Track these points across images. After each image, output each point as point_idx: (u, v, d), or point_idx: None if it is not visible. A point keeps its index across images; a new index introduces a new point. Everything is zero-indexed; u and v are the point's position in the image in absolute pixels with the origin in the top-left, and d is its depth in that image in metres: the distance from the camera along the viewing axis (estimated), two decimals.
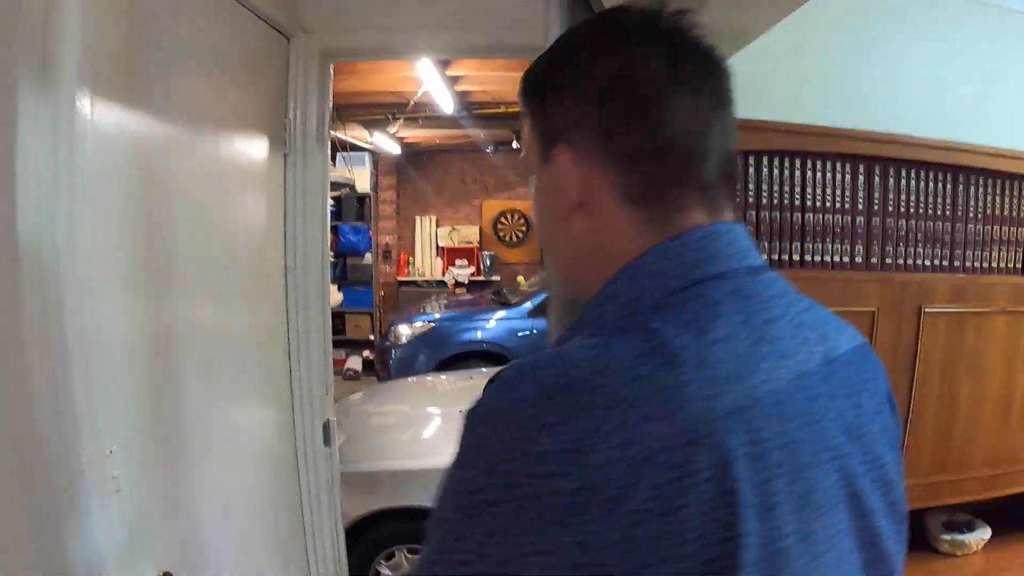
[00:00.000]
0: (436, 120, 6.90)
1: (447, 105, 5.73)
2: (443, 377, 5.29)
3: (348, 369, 9.14)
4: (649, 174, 0.64)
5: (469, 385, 4.52)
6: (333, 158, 7.05)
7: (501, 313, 6.87)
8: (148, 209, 1.38)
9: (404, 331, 6.91)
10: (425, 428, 3.86)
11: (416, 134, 8.19)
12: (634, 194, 0.64)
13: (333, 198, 9.50)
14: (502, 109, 6.33)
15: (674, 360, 0.54)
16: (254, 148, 1.94)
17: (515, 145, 7.75)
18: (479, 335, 6.78)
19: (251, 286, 1.96)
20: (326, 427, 2.24)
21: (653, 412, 0.51)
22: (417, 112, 6.16)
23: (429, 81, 4.86)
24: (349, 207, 9.32)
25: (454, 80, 5.33)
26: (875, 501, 0.63)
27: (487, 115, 6.55)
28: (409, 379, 5.51)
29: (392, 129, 7.20)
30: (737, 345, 0.57)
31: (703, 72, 0.66)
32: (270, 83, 2.05)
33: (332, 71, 2.24)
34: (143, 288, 1.36)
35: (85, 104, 1.10)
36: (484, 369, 6.37)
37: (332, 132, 6.31)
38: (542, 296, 6.80)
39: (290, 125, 2.12)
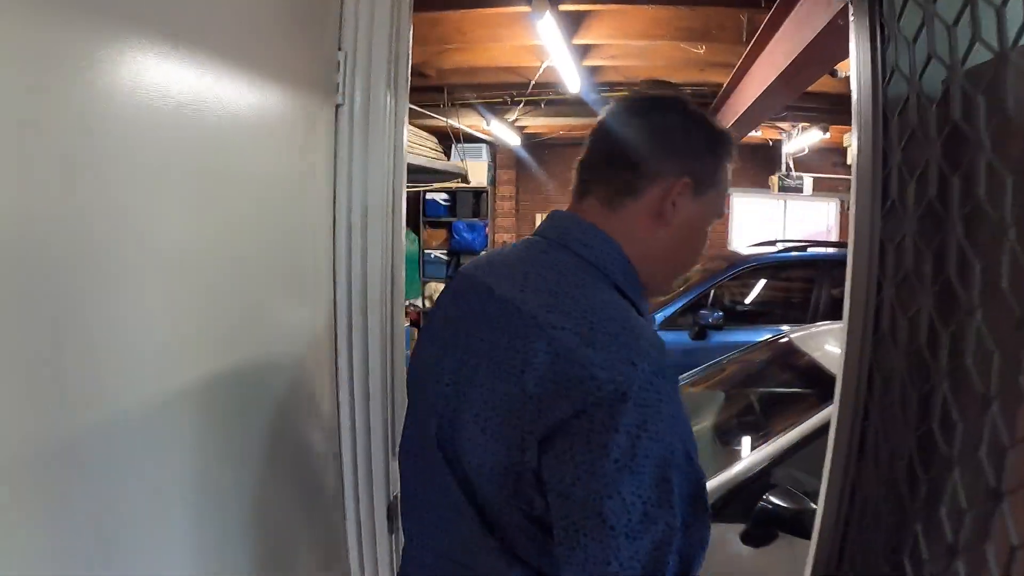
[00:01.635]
0: (560, 106, 6.15)
1: (573, 83, 4.95)
2: None
3: None
4: None
5: None
6: (448, 152, 6.41)
7: None
8: None
9: None
10: None
11: (538, 123, 7.44)
12: None
13: (447, 192, 9.02)
14: None
15: None
16: (284, 96, 1.25)
17: None
18: None
19: (278, 300, 1.28)
20: (392, 508, 1.53)
21: None
22: (539, 93, 5.41)
23: (553, 50, 4.11)
24: (464, 202, 8.70)
25: (582, 52, 4.57)
26: None
27: (616, 96, 5.73)
28: None
29: (511, 117, 6.49)
30: None
31: None
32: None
33: None
34: None
35: None
36: None
37: (444, 120, 5.74)
38: (676, 305, 5.96)
39: (345, 62, 1.41)
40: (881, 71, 1.21)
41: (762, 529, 2.20)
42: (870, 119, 1.22)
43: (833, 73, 3.79)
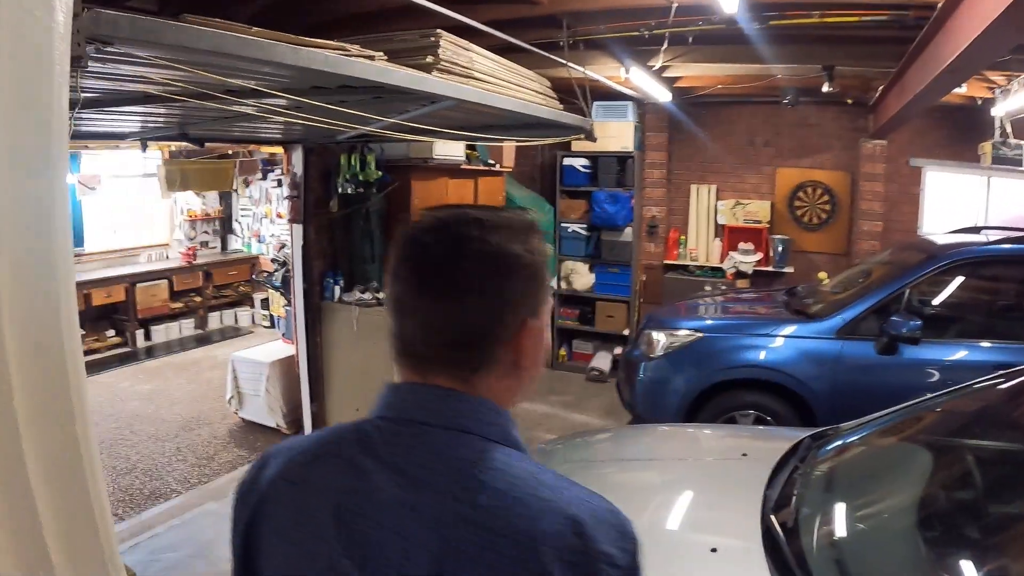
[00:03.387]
0: (715, 46, 4.94)
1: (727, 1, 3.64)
2: (707, 432, 3.67)
3: (593, 368, 7.61)
4: None
5: (735, 450, 2.84)
6: (586, 111, 5.34)
7: (793, 328, 4.91)
8: None
9: (659, 339, 5.19)
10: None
11: (690, 72, 6.23)
12: None
13: (588, 157, 7.99)
14: (816, 17, 4.17)
15: None
16: None
17: (826, 88, 5.57)
18: (761, 356, 4.88)
19: None
20: None
21: None
22: (685, 23, 4.18)
23: None
24: (607, 169, 7.68)
25: None
26: None
27: (790, 28, 4.39)
28: (662, 427, 3.88)
29: (656, 63, 5.34)
30: None
31: None
32: None
33: None
34: None
35: None
36: (761, 427, 4.51)
37: (565, 63, 4.47)
38: (858, 307, 4.75)
39: None
40: None
41: None
42: None
43: None
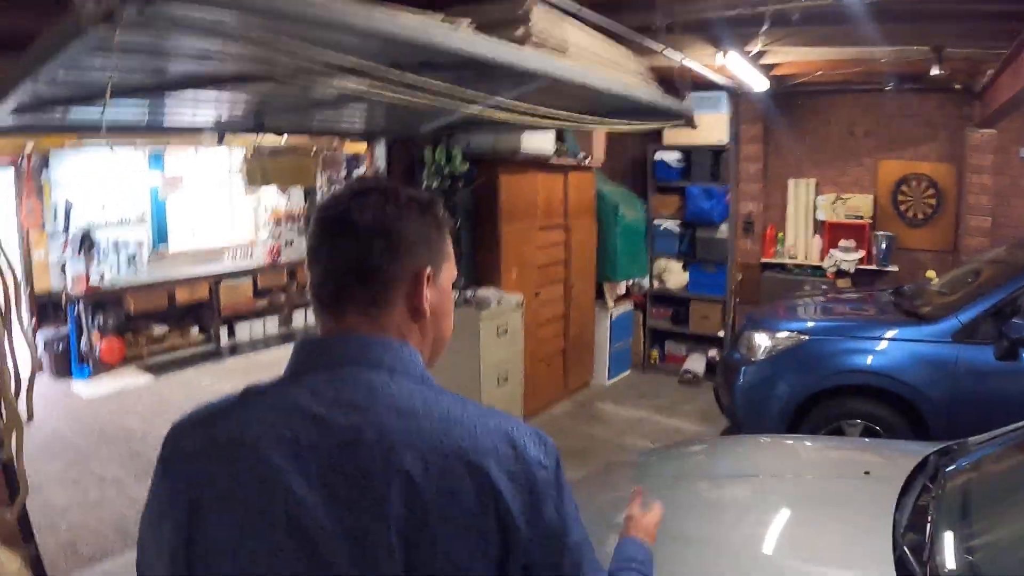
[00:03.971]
0: (818, 26, 4.66)
1: None
2: (817, 445, 3.50)
3: (687, 371, 7.43)
4: None
5: (855, 467, 2.66)
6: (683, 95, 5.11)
7: (905, 331, 4.65)
8: None
9: (761, 342, 5.01)
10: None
11: (788, 58, 5.98)
12: None
13: (680, 150, 7.75)
14: None
15: None
16: None
17: (935, 72, 5.25)
18: (868, 360, 4.64)
19: None
20: None
21: None
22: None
23: None
24: (701, 163, 7.48)
25: None
26: None
27: (898, 3, 4.07)
28: (764, 439, 3.72)
29: (753, 48, 5.10)
30: None
31: None
32: None
33: None
34: None
35: None
36: (875, 441, 4.26)
37: (660, 49, 3.98)
38: (975, 309, 4.47)
39: None
40: None
41: None
42: None
43: None
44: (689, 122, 4.36)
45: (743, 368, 5.04)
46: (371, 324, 1.05)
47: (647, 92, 3.76)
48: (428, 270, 1.08)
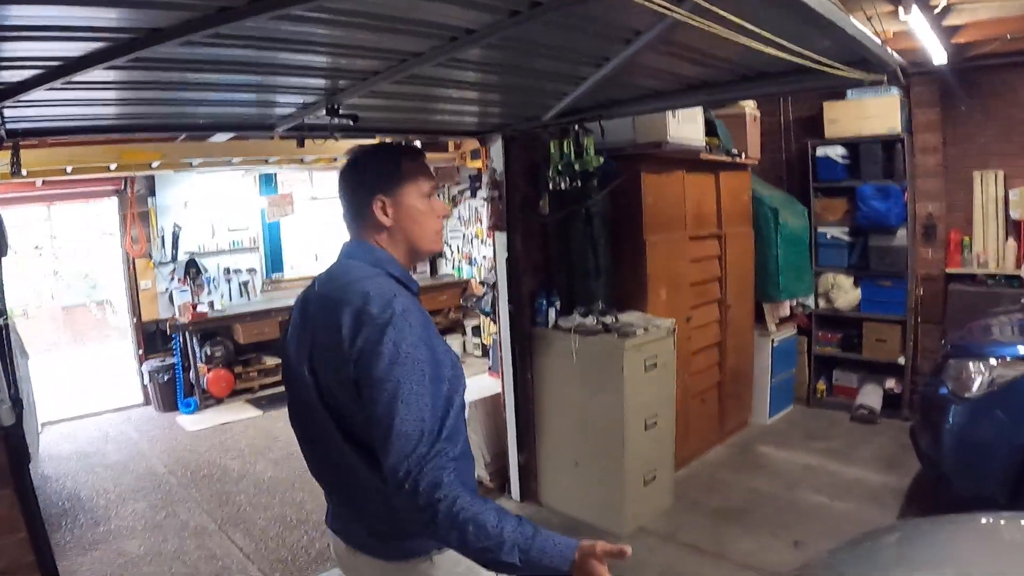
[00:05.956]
0: None
1: None
2: None
3: (861, 406, 6.20)
4: None
5: None
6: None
7: None
8: None
9: (979, 373, 3.84)
10: None
11: (978, 16, 4.75)
12: None
13: (845, 144, 6.51)
14: None
15: None
16: None
17: None
18: None
19: None
20: None
21: None
22: None
23: None
24: (870, 158, 6.29)
25: None
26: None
27: None
28: (984, 520, 2.51)
29: (939, 1, 3.92)
30: None
31: None
32: None
33: None
34: None
35: None
36: None
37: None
38: None
39: None
40: None
41: None
42: None
43: None
44: (892, 78, 3.17)
45: (952, 407, 3.89)
46: (358, 235, 1.85)
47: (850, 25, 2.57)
48: (378, 197, 1.80)
